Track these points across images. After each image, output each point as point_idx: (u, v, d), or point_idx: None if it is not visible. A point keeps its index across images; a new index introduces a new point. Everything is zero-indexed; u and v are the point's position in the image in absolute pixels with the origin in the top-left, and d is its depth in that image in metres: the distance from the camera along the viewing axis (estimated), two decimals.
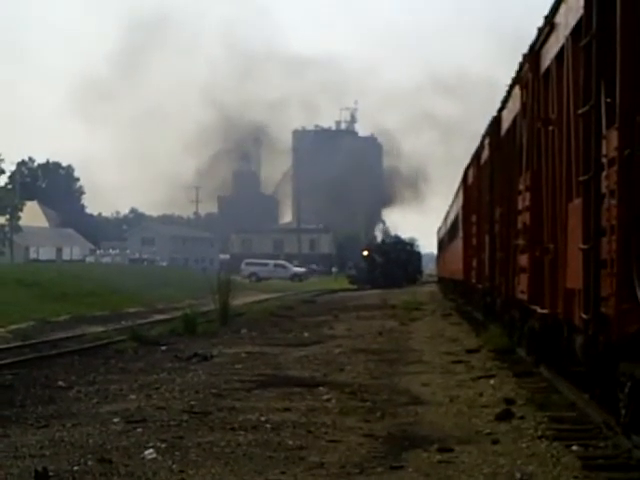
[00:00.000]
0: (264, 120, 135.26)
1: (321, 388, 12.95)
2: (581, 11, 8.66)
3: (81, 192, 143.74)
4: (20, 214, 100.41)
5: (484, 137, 21.39)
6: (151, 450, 8.81)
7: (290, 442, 9.23)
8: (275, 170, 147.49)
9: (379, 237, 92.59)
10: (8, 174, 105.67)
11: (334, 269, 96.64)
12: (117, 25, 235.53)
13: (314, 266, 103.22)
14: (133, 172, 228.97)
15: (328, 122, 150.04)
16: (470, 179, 26.28)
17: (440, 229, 54.24)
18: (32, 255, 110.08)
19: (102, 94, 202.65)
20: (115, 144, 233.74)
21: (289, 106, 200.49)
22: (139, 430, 9.85)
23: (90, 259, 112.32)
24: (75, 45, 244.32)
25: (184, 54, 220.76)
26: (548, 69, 11.37)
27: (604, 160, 7.93)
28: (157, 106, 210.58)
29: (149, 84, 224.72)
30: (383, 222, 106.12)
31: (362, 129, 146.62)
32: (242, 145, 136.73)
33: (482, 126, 21.39)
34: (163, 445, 9.06)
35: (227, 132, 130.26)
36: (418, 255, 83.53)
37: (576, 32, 9.22)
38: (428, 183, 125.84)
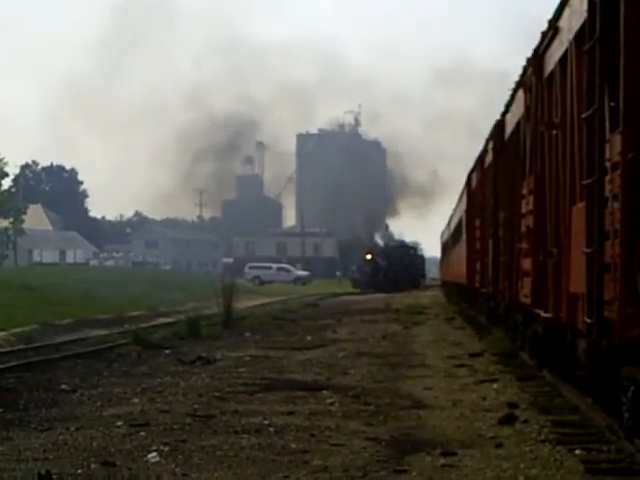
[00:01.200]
0: (260, 119, 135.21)
1: (324, 392, 12.95)
2: (585, 15, 8.67)
3: (85, 195, 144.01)
4: (24, 217, 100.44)
5: (487, 141, 21.40)
6: (154, 453, 8.81)
7: (293, 446, 9.23)
8: (278, 173, 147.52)
9: (380, 242, 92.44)
10: (12, 177, 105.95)
11: (338, 273, 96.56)
12: (107, 26, 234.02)
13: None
14: (128, 175, 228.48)
15: (327, 120, 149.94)
16: (474, 183, 26.28)
17: (443, 233, 54.26)
18: (35, 258, 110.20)
19: (93, 96, 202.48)
20: (111, 147, 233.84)
21: (287, 105, 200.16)
22: (142, 433, 9.84)
23: (93, 262, 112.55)
24: (72, 46, 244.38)
25: (181, 53, 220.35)
26: (552, 73, 11.38)
27: (607, 164, 7.94)
28: (149, 108, 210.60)
29: (137, 84, 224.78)
30: (386, 226, 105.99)
31: (365, 131, 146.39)
32: (236, 144, 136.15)
33: (488, 127, 21.41)
34: (166, 448, 9.06)
35: (220, 132, 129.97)
36: (421, 259, 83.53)
37: (580, 36, 9.23)
38: (432, 188, 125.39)
